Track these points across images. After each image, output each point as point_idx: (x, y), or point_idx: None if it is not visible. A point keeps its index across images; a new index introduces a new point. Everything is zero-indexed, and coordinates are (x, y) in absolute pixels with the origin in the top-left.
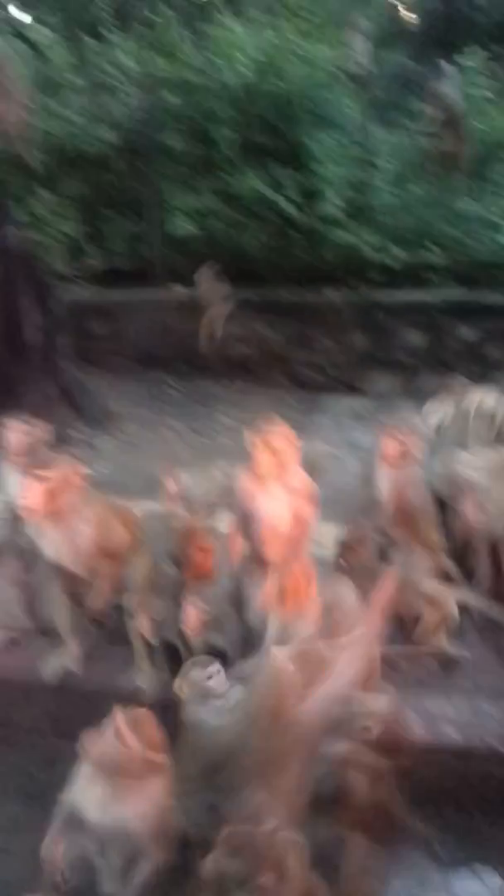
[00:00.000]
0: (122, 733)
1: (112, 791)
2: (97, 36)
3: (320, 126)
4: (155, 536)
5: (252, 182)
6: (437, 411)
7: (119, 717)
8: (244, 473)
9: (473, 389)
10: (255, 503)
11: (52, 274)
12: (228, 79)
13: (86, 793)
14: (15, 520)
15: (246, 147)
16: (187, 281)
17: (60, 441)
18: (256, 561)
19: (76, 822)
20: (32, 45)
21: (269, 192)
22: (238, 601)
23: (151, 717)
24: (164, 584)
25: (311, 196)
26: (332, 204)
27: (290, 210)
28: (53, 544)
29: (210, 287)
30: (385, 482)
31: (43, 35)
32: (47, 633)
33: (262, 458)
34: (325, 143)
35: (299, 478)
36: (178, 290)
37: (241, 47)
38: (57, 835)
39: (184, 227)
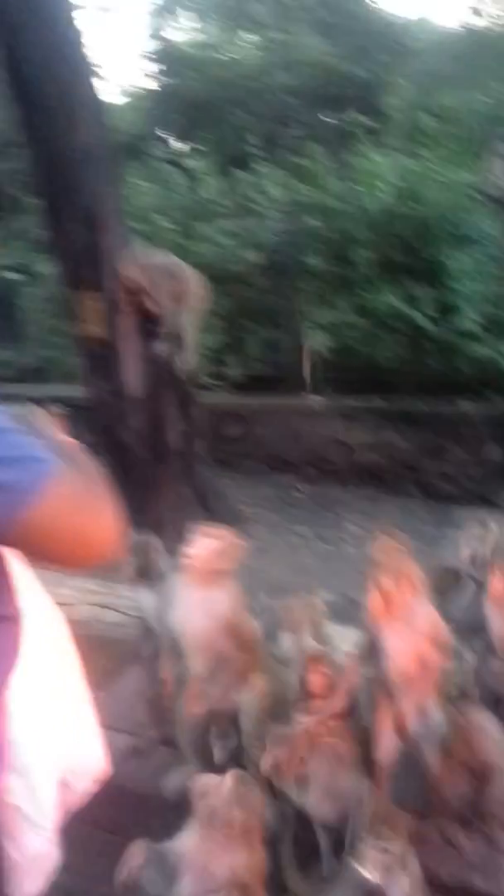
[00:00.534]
0: (229, 789)
1: (208, 841)
2: (246, 166)
3: (458, 245)
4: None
5: (388, 297)
6: (469, 543)
7: (230, 775)
8: (368, 600)
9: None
10: (379, 634)
11: (194, 381)
12: (368, 204)
13: (183, 838)
14: (149, 620)
15: (383, 265)
16: (323, 390)
17: None
18: (382, 696)
19: (167, 862)
20: (188, 174)
21: (405, 307)
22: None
23: (258, 783)
24: (279, 709)
25: (447, 311)
26: (469, 318)
27: (426, 324)
28: (190, 605)
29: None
30: (495, 623)
31: (197, 165)
32: (170, 744)
33: (385, 587)
34: (462, 261)
35: (426, 616)
36: (312, 398)
37: (381, 175)
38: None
39: (320, 339)
